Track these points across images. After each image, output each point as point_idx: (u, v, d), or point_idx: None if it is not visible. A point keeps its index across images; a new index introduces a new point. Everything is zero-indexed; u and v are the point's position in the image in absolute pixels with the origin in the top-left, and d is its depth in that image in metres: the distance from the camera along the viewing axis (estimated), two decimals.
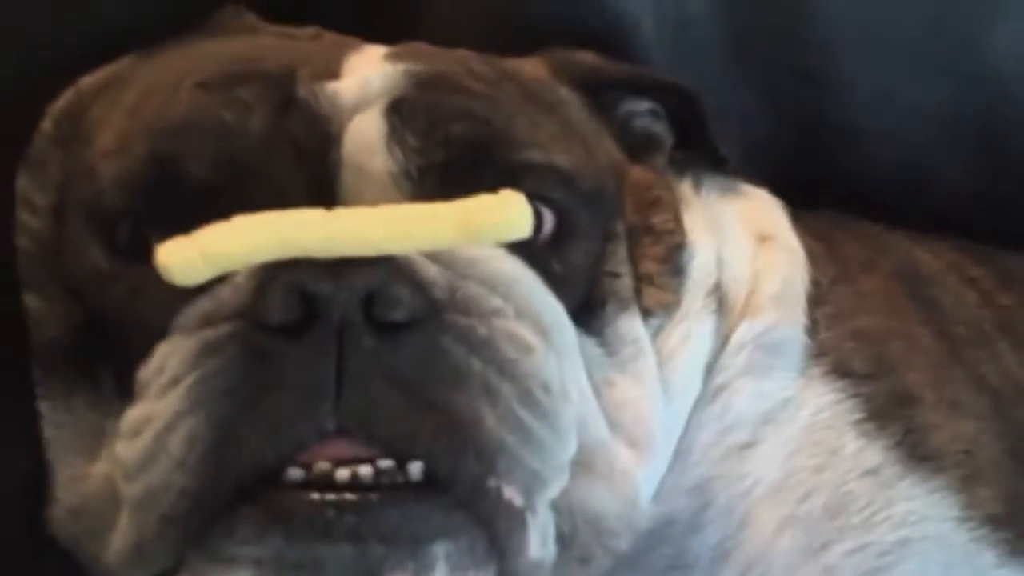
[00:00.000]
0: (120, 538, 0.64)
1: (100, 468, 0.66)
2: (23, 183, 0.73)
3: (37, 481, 0.69)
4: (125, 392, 0.65)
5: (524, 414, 0.63)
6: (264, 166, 0.65)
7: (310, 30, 0.81)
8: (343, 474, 0.60)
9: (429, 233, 0.61)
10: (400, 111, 0.68)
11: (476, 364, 0.62)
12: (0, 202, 0.72)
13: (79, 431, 0.68)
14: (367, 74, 0.70)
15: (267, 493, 0.61)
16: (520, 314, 0.65)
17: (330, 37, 0.81)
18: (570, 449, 0.66)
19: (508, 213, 0.62)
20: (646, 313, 0.74)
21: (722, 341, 0.77)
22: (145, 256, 0.63)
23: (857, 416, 0.74)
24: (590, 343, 0.71)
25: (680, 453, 0.74)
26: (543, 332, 0.66)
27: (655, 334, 0.75)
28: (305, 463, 0.60)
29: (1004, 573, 0.72)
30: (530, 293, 0.67)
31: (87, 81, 0.76)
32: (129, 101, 0.71)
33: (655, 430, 0.72)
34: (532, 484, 0.63)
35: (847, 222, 0.90)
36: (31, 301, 0.70)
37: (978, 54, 0.97)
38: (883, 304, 0.81)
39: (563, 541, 0.67)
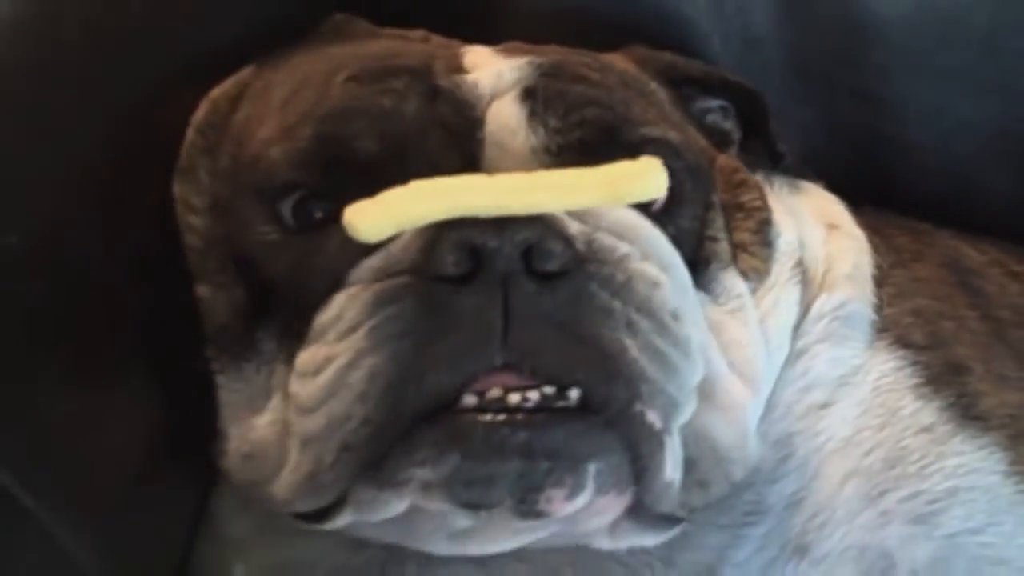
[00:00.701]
0: (292, 473, 0.71)
1: (266, 418, 0.73)
2: (179, 189, 0.80)
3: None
4: (287, 350, 0.72)
5: (660, 343, 0.70)
6: (420, 143, 0.73)
7: (419, 33, 0.90)
8: (514, 398, 0.67)
9: (580, 195, 0.70)
10: (535, 96, 0.76)
11: (617, 304, 0.70)
12: (154, 207, 0.80)
13: (248, 392, 0.75)
14: (499, 66, 0.79)
15: (446, 416, 0.67)
16: (645, 255, 0.73)
17: (437, 39, 0.89)
18: (699, 373, 0.73)
19: (648, 175, 0.71)
20: (742, 275, 0.82)
21: (804, 310, 0.85)
22: (311, 227, 0.73)
23: (916, 381, 0.82)
24: (701, 295, 0.78)
25: (767, 407, 0.81)
26: (666, 269, 0.73)
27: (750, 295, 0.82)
28: (479, 391, 0.67)
29: None
30: (651, 236, 0.74)
31: (217, 92, 0.83)
32: (277, 100, 0.78)
33: (761, 370, 0.80)
34: (669, 408, 0.71)
35: (896, 219, 0.98)
36: (202, 291, 0.78)
37: None
38: (934, 288, 0.88)
39: (687, 465, 0.73)
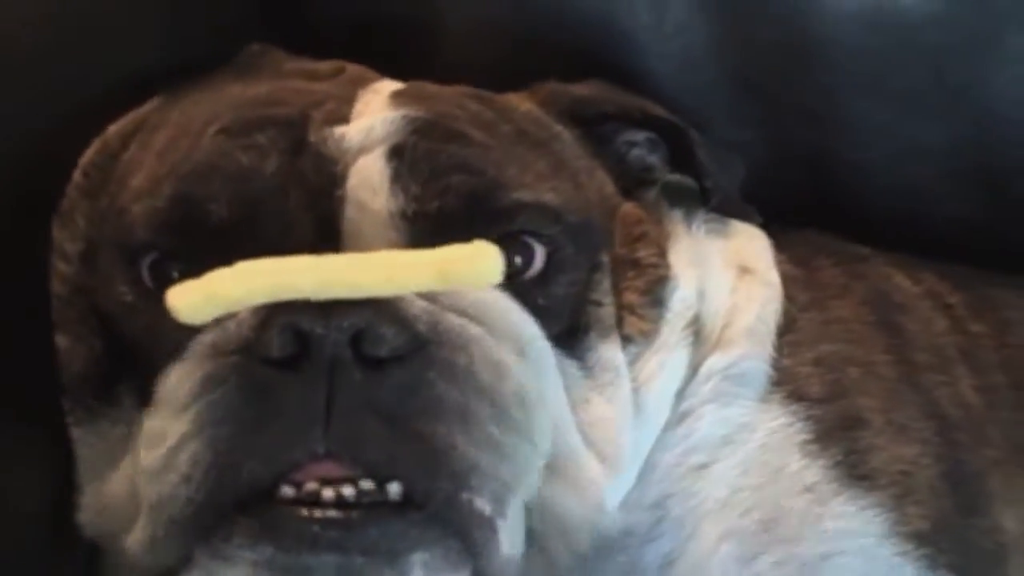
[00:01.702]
0: (139, 531, 0.72)
1: (123, 471, 0.74)
2: (56, 232, 0.80)
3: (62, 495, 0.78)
4: (145, 405, 0.73)
5: (497, 432, 0.70)
6: (276, 204, 0.73)
7: (332, 64, 0.88)
8: (328, 493, 0.67)
9: (409, 279, 0.69)
10: (402, 156, 0.75)
11: (455, 393, 0.69)
12: (36, 251, 0.80)
13: (105, 445, 0.76)
14: (371, 120, 0.77)
15: (261, 507, 0.68)
16: (498, 336, 0.72)
17: (350, 72, 0.88)
18: (542, 455, 0.73)
19: (481, 262, 0.69)
20: (626, 340, 0.80)
21: (694, 370, 0.84)
22: (166, 289, 0.71)
23: (804, 438, 0.81)
24: (571, 365, 0.77)
25: (645, 471, 0.80)
26: (520, 351, 0.73)
27: (633, 360, 0.81)
28: (296, 482, 0.68)
29: None
30: (507, 314, 0.74)
31: (113, 130, 0.83)
32: (158, 144, 0.79)
33: (624, 449, 0.78)
34: (502, 493, 0.70)
35: (832, 246, 0.96)
36: (61, 341, 0.78)
37: (976, 98, 1.02)
38: (848, 331, 0.87)
39: (531, 537, 0.73)
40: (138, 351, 0.75)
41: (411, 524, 0.68)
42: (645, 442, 0.81)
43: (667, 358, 0.82)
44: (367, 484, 0.68)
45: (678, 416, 0.82)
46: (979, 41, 1.01)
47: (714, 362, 0.84)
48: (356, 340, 0.68)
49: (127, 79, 0.84)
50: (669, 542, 0.79)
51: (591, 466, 0.77)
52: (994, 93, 1.02)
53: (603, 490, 0.77)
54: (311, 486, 0.68)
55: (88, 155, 0.82)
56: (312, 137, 0.76)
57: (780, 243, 0.93)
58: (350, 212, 0.74)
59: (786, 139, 1.04)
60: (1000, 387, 0.89)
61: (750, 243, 0.91)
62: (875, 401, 0.83)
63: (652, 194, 0.90)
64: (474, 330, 0.71)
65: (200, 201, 0.74)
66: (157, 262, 0.75)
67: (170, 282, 0.72)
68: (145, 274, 0.75)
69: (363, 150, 0.76)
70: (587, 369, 0.78)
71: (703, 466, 0.81)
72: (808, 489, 0.79)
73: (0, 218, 0.76)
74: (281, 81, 0.85)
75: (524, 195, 0.76)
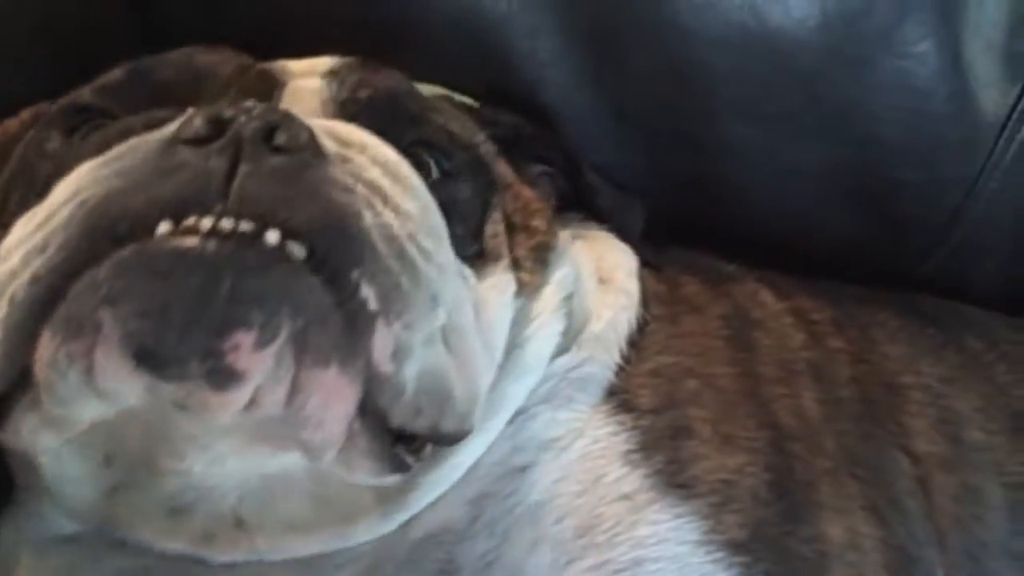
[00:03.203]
0: None
1: None
2: None
3: None
4: None
5: (401, 234, 0.70)
6: (219, 87, 0.82)
7: None
8: (206, 223, 0.65)
9: None
10: (337, 74, 0.85)
11: (360, 187, 0.70)
12: None
13: None
14: (314, 59, 0.88)
15: (138, 242, 0.65)
16: (399, 184, 0.74)
17: None
18: (443, 288, 0.72)
19: None
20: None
21: (564, 346, 0.87)
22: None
23: (627, 447, 0.82)
24: (473, 274, 0.82)
25: (470, 466, 0.81)
26: (421, 207, 0.74)
27: (517, 314, 0.86)
28: (176, 219, 0.65)
29: None
30: (410, 176, 0.76)
31: (27, 112, 0.91)
32: None
33: (497, 355, 0.82)
34: (393, 296, 0.68)
35: (701, 264, 0.99)
36: None
37: (852, 121, 1.04)
38: (694, 344, 0.89)
39: (415, 398, 0.71)
40: (37, 187, 0.75)
41: (284, 269, 0.65)
42: (512, 402, 0.83)
43: (546, 322, 0.86)
44: (247, 225, 0.65)
45: (512, 414, 0.83)
46: (851, 65, 1.03)
47: (558, 364, 0.86)
48: (268, 133, 0.69)
49: None
50: (484, 543, 0.80)
51: (479, 352, 0.78)
52: (869, 115, 1.04)
53: (484, 379, 0.79)
54: (190, 220, 0.65)
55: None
56: (260, 64, 0.86)
57: (652, 259, 0.96)
58: (286, 102, 0.82)
59: (667, 164, 1.07)
60: (846, 400, 0.90)
61: (612, 252, 0.95)
62: (707, 412, 0.85)
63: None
64: (377, 169, 0.73)
65: (149, 69, 0.84)
66: (95, 125, 0.80)
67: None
68: (80, 133, 0.80)
69: (304, 74, 0.86)
70: (484, 279, 0.83)
71: (524, 468, 0.82)
72: (625, 497, 0.80)
73: None
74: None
75: (437, 117, 0.87)
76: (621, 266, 0.94)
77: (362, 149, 0.74)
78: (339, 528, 0.79)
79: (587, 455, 0.82)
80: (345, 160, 0.72)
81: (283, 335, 0.65)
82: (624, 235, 0.97)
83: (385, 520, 0.79)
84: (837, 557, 0.82)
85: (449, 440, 0.77)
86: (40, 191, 0.72)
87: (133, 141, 0.70)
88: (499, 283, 0.84)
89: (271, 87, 0.83)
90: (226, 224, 0.65)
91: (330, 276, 0.66)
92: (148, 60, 0.84)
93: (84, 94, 0.83)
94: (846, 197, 1.07)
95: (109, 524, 0.79)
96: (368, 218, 0.69)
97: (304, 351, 0.65)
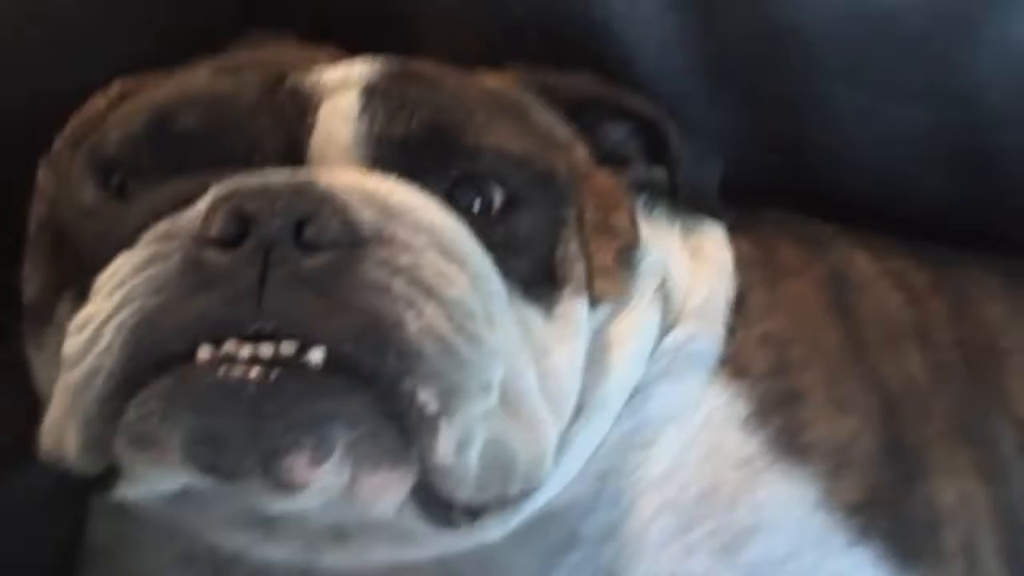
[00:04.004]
0: (71, 435, 0.71)
1: (59, 383, 0.73)
2: (41, 175, 0.85)
3: None
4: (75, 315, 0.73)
5: (446, 329, 0.69)
6: (246, 124, 0.76)
7: (329, 49, 0.91)
8: (245, 351, 0.65)
9: None
10: (373, 93, 0.78)
11: (399, 283, 0.68)
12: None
13: (49, 364, 0.76)
14: (349, 67, 0.81)
15: (179, 367, 0.66)
16: (446, 255, 0.72)
17: (343, 55, 0.92)
18: (494, 372, 0.71)
19: None
20: (596, 300, 0.82)
21: (663, 333, 0.87)
22: (127, 198, 0.76)
23: (745, 413, 0.84)
24: (537, 314, 0.78)
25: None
26: (470, 275, 0.72)
27: (606, 321, 0.83)
28: (216, 342, 0.66)
29: (852, 554, 0.80)
30: (458, 240, 0.73)
31: (114, 87, 0.87)
32: (148, 95, 0.82)
33: (570, 403, 0.80)
34: (450, 394, 0.68)
35: (795, 227, 0.98)
36: (26, 271, 0.81)
37: (955, 79, 1.02)
38: (798, 309, 0.90)
39: (479, 468, 0.72)
40: (84, 256, 0.76)
41: (331, 388, 0.66)
42: (615, 401, 0.83)
43: (638, 319, 0.85)
44: (288, 347, 0.66)
45: (631, 393, 0.85)
46: (956, 26, 1.01)
47: (669, 340, 0.87)
48: (298, 229, 0.68)
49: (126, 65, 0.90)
50: (607, 514, 0.82)
51: (543, 411, 0.77)
52: (972, 78, 1.03)
53: (550, 438, 0.77)
54: (229, 346, 0.66)
55: (78, 113, 0.87)
56: (291, 77, 0.80)
57: (744, 224, 0.96)
58: (318, 137, 0.77)
59: (762, 125, 1.06)
60: (951, 364, 0.91)
61: (701, 225, 0.94)
62: (817, 377, 0.86)
63: (626, 176, 0.93)
64: (420, 239, 0.71)
65: (172, 113, 0.77)
66: (123, 179, 0.78)
67: (130, 195, 0.76)
68: (111, 185, 0.78)
69: (339, 88, 0.79)
70: (551, 320, 0.79)
71: (648, 443, 0.83)
72: (745, 462, 0.82)
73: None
74: (285, 50, 0.91)
75: (487, 139, 0.79)
76: (708, 234, 0.94)
77: (403, 215, 0.72)
78: (451, 536, 0.78)
79: (707, 424, 0.83)
80: (384, 241, 0.70)
81: (338, 450, 0.67)
82: (702, 200, 0.95)
83: (503, 523, 0.80)
84: (949, 519, 0.83)
85: (514, 503, 0.77)
86: (87, 261, 0.75)
87: (162, 241, 0.70)
88: (569, 312, 0.80)
89: (302, 112, 0.78)
90: (266, 351, 0.66)
91: (383, 391, 0.67)
92: (168, 101, 0.79)
93: (109, 145, 0.79)
94: (945, 161, 1.06)
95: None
96: (412, 324, 0.68)
97: (360, 460, 0.68)
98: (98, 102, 0.88)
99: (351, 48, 0.95)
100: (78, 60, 0.89)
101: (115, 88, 0.88)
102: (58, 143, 0.86)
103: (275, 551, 0.80)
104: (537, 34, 1.03)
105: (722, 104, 1.06)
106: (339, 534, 0.79)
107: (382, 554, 0.80)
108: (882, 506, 0.82)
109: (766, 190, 1.03)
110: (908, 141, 1.06)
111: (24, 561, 0.84)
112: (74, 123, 0.86)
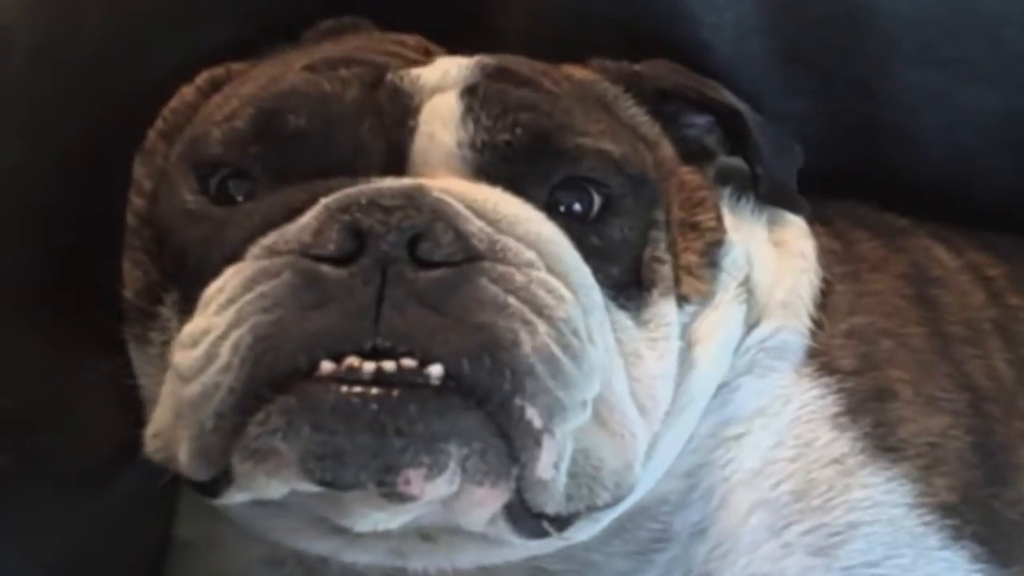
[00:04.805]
0: (184, 443, 0.71)
1: (167, 390, 0.74)
2: (137, 169, 0.84)
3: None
4: (183, 323, 0.73)
5: (555, 348, 0.69)
6: (351, 126, 0.76)
7: (415, 39, 0.91)
8: (369, 367, 0.66)
9: None
10: (475, 95, 0.78)
11: (513, 300, 0.69)
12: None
13: (154, 367, 0.77)
14: (448, 64, 0.81)
15: (300, 384, 0.67)
16: (552, 270, 0.72)
17: (431, 48, 0.91)
18: (593, 389, 0.72)
19: None
20: (683, 299, 0.82)
21: (748, 328, 0.86)
22: (229, 202, 0.76)
23: (835, 410, 0.83)
24: (627, 317, 0.78)
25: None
26: (573, 288, 0.73)
27: (692, 319, 0.83)
28: (337, 358, 0.66)
29: (946, 555, 0.80)
30: (562, 253, 0.74)
31: (191, 85, 0.87)
32: (246, 87, 0.81)
33: (661, 407, 0.80)
34: (554, 410, 0.69)
35: (871, 219, 0.97)
36: (125, 268, 0.81)
37: None
38: (883, 304, 0.89)
39: (567, 478, 0.72)
40: (190, 263, 0.76)
41: (450, 406, 0.67)
42: (701, 398, 0.83)
43: (723, 315, 0.84)
44: (409, 362, 0.67)
45: (717, 388, 0.84)
46: None
47: (754, 334, 0.86)
48: (413, 243, 0.69)
49: (210, 51, 0.90)
50: (699, 511, 0.82)
51: (632, 417, 0.77)
52: None
53: (639, 446, 0.77)
54: (352, 361, 0.66)
55: (171, 103, 0.86)
56: (391, 75, 0.80)
57: (820, 215, 0.95)
58: (420, 141, 0.77)
59: (838, 109, 1.05)
60: None
61: (784, 216, 0.93)
62: (906, 373, 0.85)
63: (711, 169, 0.92)
64: (529, 254, 0.72)
65: (279, 113, 0.77)
66: (226, 179, 0.77)
67: (230, 201, 0.76)
68: (213, 188, 0.77)
69: (438, 89, 0.79)
70: (642, 324, 0.79)
71: (737, 437, 0.83)
72: (837, 460, 0.82)
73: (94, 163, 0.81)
74: (370, 41, 0.90)
75: (588, 142, 0.79)
76: (791, 225, 0.92)
77: (512, 228, 0.73)
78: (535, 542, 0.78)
79: (797, 419, 0.83)
80: (496, 256, 0.70)
81: (452, 466, 0.67)
82: (782, 192, 0.93)
83: (594, 524, 0.80)
84: None
85: (603, 509, 0.77)
86: (193, 267, 0.75)
87: (271, 256, 0.70)
88: (658, 315, 0.81)
89: (403, 114, 0.78)
90: (388, 366, 0.66)
91: (495, 408, 0.68)
92: (272, 99, 0.78)
93: (212, 144, 0.78)
94: (1019, 147, 1.05)
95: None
96: (526, 343, 0.68)
97: (468, 475, 0.68)
98: (187, 92, 0.87)
99: (429, 37, 0.94)
100: (162, 50, 0.88)
101: (204, 77, 0.88)
102: (151, 135, 0.85)
103: (360, 556, 0.80)
104: (613, 20, 1.02)
105: (798, 89, 1.05)
106: (425, 537, 0.79)
107: (469, 557, 0.80)
108: (974, 506, 0.82)
109: (838, 178, 1.02)
110: (984, 126, 1.06)
111: (117, 559, 0.83)
112: (166, 114, 0.86)
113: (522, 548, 0.79)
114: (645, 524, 0.82)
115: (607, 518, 0.80)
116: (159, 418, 0.74)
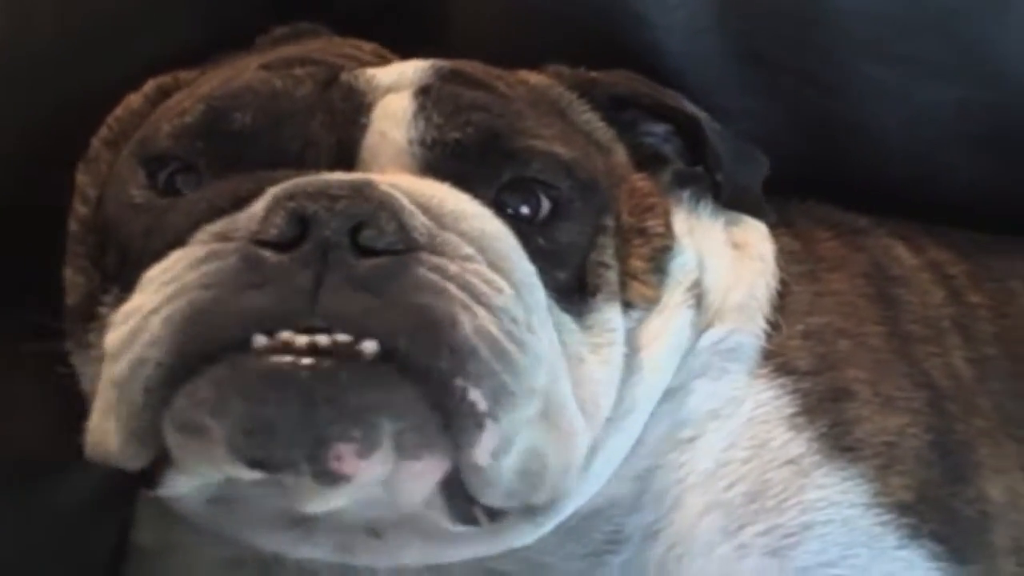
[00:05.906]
0: (115, 424, 0.70)
1: (102, 378, 0.72)
2: (80, 177, 0.84)
3: None
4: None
5: (497, 332, 0.69)
6: (300, 122, 0.76)
7: (371, 45, 0.92)
8: (302, 339, 0.65)
9: None
10: (428, 95, 0.79)
11: (451, 287, 0.69)
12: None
13: (94, 364, 0.75)
14: (402, 66, 0.82)
15: (232, 356, 0.66)
16: (494, 266, 0.72)
17: (387, 54, 0.91)
18: (540, 377, 0.71)
19: None
20: (629, 305, 0.82)
21: (696, 334, 0.85)
22: (176, 195, 0.76)
23: (791, 410, 0.82)
24: (571, 321, 0.78)
25: (634, 444, 0.81)
26: (515, 285, 0.72)
27: (637, 325, 0.83)
28: (270, 332, 0.66)
29: (904, 554, 0.79)
30: (507, 250, 0.74)
31: (137, 92, 0.87)
32: (202, 89, 0.81)
33: (603, 414, 0.79)
34: (500, 395, 0.68)
35: (831, 218, 0.97)
36: (67, 274, 0.81)
37: (986, 56, 1.01)
38: (841, 304, 0.88)
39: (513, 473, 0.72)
40: (130, 252, 0.76)
41: (384, 379, 0.66)
42: (645, 402, 0.82)
43: (669, 320, 0.84)
44: (343, 336, 0.66)
45: (671, 390, 0.84)
46: (987, 3, 1.01)
47: (706, 338, 0.85)
48: (355, 231, 0.69)
49: (163, 57, 0.90)
50: (652, 513, 0.81)
51: (577, 420, 0.76)
52: (1004, 54, 1.02)
53: (581, 448, 0.77)
54: (285, 334, 0.66)
55: (116, 111, 0.86)
56: (345, 75, 0.80)
57: (783, 216, 0.94)
58: (371, 138, 0.77)
59: (794, 107, 1.05)
60: (993, 358, 0.90)
61: (744, 218, 0.92)
62: (864, 373, 0.85)
63: (665, 176, 0.91)
64: (469, 249, 0.72)
65: (227, 110, 0.77)
66: (173, 173, 0.77)
67: (177, 194, 0.76)
68: (160, 183, 0.77)
69: (392, 89, 0.80)
70: (586, 328, 0.79)
71: (691, 440, 0.82)
72: (792, 461, 0.81)
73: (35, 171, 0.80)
74: (329, 44, 0.90)
75: (538, 144, 0.79)
76: (751, 228, 0.92)
77: (455, 224, 0.73)
78: (485, 539, 0.78)
79: (752, 421, 0.82)
80: (436, 250, 0.70)
81: (385, 443, 0.67)
82: (746, 199, 0.93)
83: (536, 528, 0.79)
84: (999, 517, 0.83)
85: (539, 511, 0.76)
86: (134, 259, 0.74)
87: (219, 240, 0.70)
88: (602, 321, 0.80)
89: (356, 112, 0.78)
90: (322, 340, 0.66)
91: (435, 387, 0.67)
92: (223, 96, 0.78)
93: (161, 139, 0.78)
94: (978, 140, 1.04)
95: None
96: (466, 324, 0.68)
97: (403, 450, 0.67)
98: (134, 100, 0.87)
99: (384, 43, 0.94)
100: (109, 59, 0.87)
101: (151, 85, 0.87)
102: (95, 144, 0.85)
103: (311, 551, 0.79)
104: (565, 23, 1.02)
105: (752, 86, 1.04)
106: (372, 533, 0.78)
107: (416, 554, 0.79)
108: (932, 505, 0.81)
109: (798, 175, 1.01)
110: (939, 120, 1.05)
111: (70, 565, 0.83)
112: (111, 122, 0.86)
113: (467, 547, 0.78)
114: (598, 526, 0.81)
115: (549, 523, 0.79)
116: (95, 411, 0.73)
